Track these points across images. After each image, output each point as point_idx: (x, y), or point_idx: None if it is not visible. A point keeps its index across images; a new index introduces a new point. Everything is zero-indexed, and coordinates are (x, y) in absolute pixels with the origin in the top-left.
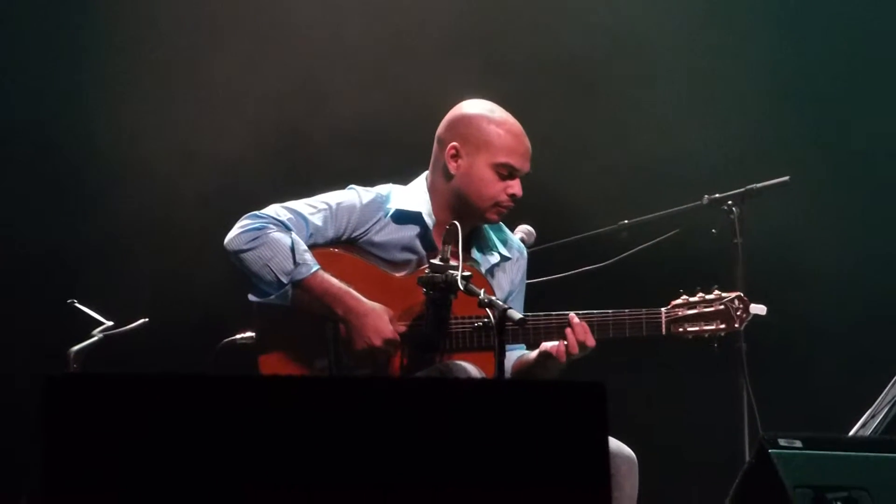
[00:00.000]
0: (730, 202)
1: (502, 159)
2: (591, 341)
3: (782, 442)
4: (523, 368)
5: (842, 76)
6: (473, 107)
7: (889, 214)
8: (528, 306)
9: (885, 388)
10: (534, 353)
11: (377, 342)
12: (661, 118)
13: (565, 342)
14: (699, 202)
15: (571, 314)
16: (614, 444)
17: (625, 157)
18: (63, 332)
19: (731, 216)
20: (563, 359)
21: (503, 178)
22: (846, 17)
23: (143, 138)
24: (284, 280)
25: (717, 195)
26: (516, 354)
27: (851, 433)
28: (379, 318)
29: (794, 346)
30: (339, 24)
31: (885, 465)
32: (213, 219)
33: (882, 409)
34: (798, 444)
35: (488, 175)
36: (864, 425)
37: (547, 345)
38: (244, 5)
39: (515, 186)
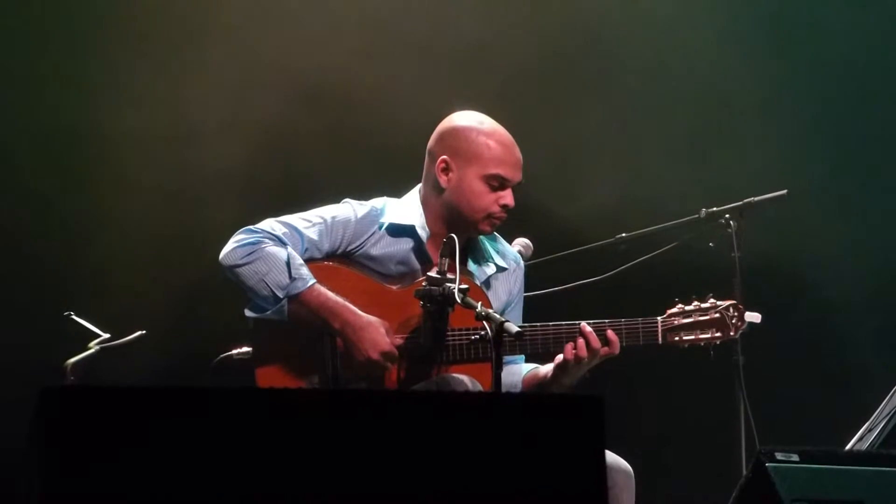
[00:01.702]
0: (727, 216)
1: (493, 170)
2: (615, 349)
3: (779, 456)
4: (536, 383)
5: (840, 88)
6: (463, 118)
7: (888, 228)
8: (526, 319)
9: (881, 401)
10: (545, 369)
11: (374, 355)
12: (660, 131)
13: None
14: (697, 216)
15: (583, 323)
16: (611, 457)
17: (624, 171)
18: (60, 345)
19: (729, 230)
20: (573, 359)
21: (494, 189)
22: (845, 28)
23: (143, 150)
24: (280, 294)
25: (714, 209)
26: (525, 369)
27: (848, 447)
28: (376, 332)
29: (791, 359)
30: (340, 30)
31: (882, 479)
32: (211, 232)
33: (879, 422)
34: (795, 457)
35: (479, 187)
36: (861, 439)
37: (560, 358)
38: (241, 10)
39: (507, 197)
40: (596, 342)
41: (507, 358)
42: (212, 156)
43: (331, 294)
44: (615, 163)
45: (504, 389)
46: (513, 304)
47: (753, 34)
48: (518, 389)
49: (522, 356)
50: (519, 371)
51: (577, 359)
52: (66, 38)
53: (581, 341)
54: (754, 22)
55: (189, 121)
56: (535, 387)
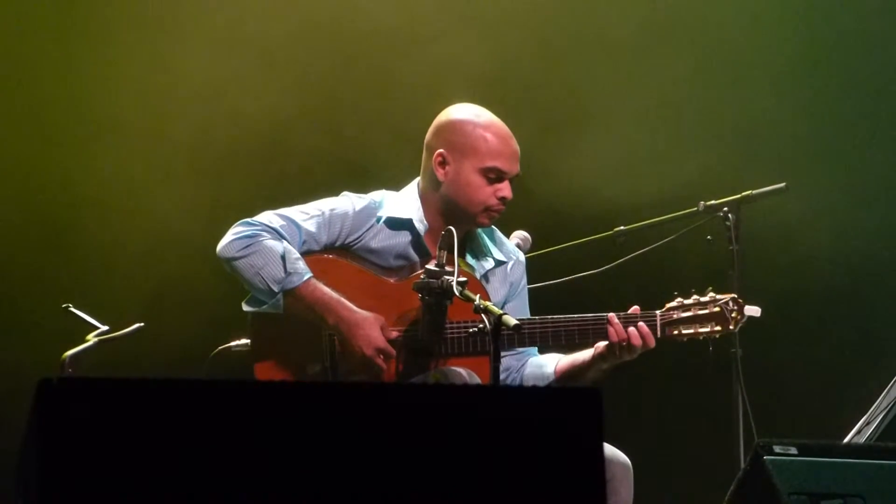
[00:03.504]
0: (726, 209)
1: (489, 163)
2: (650, 340)
3: (777, 448)
4: (573, 370)
5: (839, 78)
6: (459, 112)
7: (886, 220)
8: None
9: (879, 395)
10: (585, 356)
11: (369, 352)
12: (658, 123)
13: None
14: (695, 209)
15: (611, 315)
16: (609, 450)
17: (622, 163)
18: (58, 337)
19: (727, 223)
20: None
21: (492, 181)
22: (843, 19)
23: (141, 140)
24: (276, 289)
25: (713, 202)
26: (553, 359)
27: (846, 440)
28: (371, 328)
29: (789, 352)
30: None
31: (881, 472)
32: (210, 223)
33: (877, 415)
34: (793, 450)
35: (476, 180)
36: (859, 432)
37: (601, 345)
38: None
39: (505, 189)
40: (623, 334)
41: (519, 350)
42: (212, 146)
43: (326, 289)
44: (614, 155)
45: (531, 383)
46: (515, 297)
47: (751, 25)
48: (548, 381)
49: (535, 348)
50: (545, 363)
51: (620, 342)
52: (72, 17)
53: (615, 329)
54: (750, 12)
55: (188, 110)
56: (572, 376)
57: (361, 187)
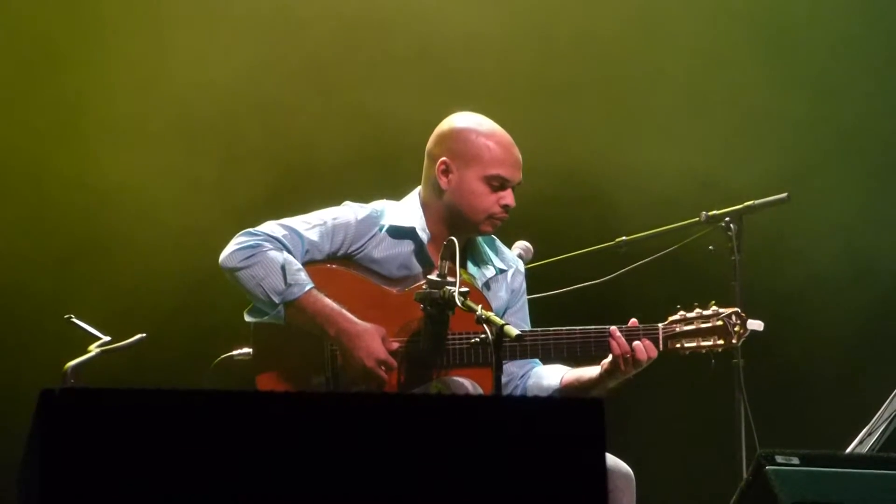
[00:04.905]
0: (728, 219)
1: (493, 171)
2: (652, 352)
3: (780, 459)
4: (580, 385)
5: (841, 88)
6: (461, 120)
7: (887, 228)
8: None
9: (882, 405)
10: (592, 372)
11: (370, 363)
12: (660, 133)
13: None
14: (697, 219)
15: (613, 328)
16: (611, 460)
17: (623, 173)
18: (60, 348)
19: (730, 233)
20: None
21: (495, 189)
22: (846, 28)
23: (143, 145)
24: (277, 300)
25: (715, 212)
26: (559, 371)
27: (849, 450)
28: (372, 339)
29: (791, 362)
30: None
31: (883, 483)
32: (212, 234)
33: (879, 426)
34: (795, 460)
35: (480, 188)
36: (861, 442)
37: (607, 361)
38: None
39: (508, 197)
40: (626, 347)
41: (521, 362)
42: (216, 150)
43: (327, 300)
44: (616, 164)
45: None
46: (515, 305)
47: (754, 36)
48: (551, 392)
49: (537, 360)
50: (549, 375)
51: (624, 355)
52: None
53: (617, 342)
54: (755, 22)
55: (190, 112)
56: (578, 391)
57: (374, 187)
